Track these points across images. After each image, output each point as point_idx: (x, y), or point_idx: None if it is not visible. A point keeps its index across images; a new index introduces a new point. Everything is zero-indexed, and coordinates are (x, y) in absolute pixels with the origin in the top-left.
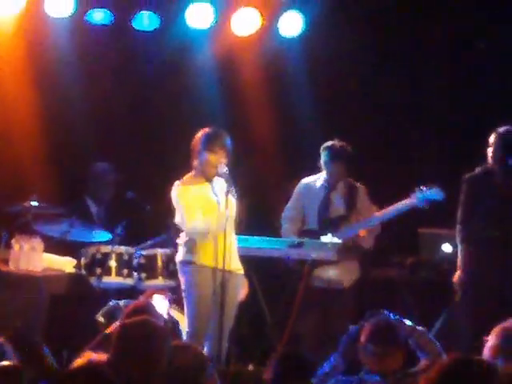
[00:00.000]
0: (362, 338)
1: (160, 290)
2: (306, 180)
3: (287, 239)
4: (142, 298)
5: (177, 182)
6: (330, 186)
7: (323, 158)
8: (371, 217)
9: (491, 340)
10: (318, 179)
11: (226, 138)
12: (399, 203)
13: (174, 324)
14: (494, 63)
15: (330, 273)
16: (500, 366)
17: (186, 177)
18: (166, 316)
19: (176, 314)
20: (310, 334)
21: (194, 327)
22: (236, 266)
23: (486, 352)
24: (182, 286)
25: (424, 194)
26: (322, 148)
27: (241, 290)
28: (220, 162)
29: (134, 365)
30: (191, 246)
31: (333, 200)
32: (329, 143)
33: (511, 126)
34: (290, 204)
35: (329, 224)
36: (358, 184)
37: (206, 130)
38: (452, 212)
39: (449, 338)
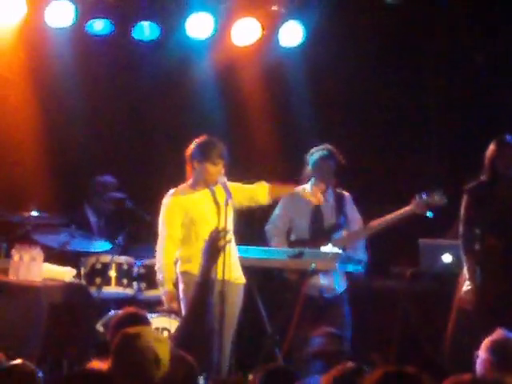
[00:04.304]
0: None
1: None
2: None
3: (287, 249)
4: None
5: (171, 191)
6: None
7: (314, 158)
8: (366, 227)
9: (482, 354)
10: (304, 190)
11: (223, 146)
12: (398, 212)
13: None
14: (492, 74)
15: (322, 281)
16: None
17: (182, 186)
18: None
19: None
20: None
21: None
22: (236, 275)
23: (478, 367)
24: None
25: (424, 200)
26: (310, 152)
27: (241, 300)
28: (220, 172)
29: (135, 373)
30: (187, 256)
31: (323, 210)
32: (319, 146)
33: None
34: (276, 216)
35: (322, 234)
36: (345, 192)
37: (201, 139)
38: (453, 222)
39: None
